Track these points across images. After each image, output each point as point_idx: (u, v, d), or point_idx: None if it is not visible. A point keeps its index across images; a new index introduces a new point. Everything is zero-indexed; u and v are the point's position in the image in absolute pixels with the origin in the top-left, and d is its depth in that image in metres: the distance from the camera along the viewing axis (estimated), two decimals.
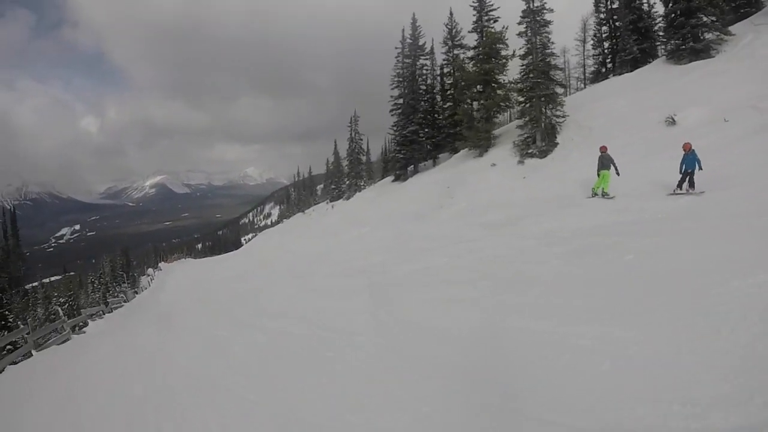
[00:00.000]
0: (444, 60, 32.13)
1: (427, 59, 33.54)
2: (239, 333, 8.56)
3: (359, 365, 5.62)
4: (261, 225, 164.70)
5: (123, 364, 8.03)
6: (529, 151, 19.81)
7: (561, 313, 5.74)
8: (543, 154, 19.32)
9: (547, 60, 20.18)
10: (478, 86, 25.64)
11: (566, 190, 15.63)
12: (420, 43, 32.89)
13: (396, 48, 33.33)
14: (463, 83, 27.51)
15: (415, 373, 4.93)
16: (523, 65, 20.85)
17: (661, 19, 26.08)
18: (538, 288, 7.32)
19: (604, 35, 30.57)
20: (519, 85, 21.24)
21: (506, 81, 24.06)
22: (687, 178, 11.18)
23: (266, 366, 6.33)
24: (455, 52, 31.36)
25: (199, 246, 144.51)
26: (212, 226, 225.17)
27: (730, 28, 20.90)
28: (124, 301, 21.48)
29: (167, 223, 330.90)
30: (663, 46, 25.19)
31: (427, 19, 33.31)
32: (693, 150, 11.37)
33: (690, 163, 11.21)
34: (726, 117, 15.50)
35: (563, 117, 19.67)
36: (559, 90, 20.77)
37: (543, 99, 19.65)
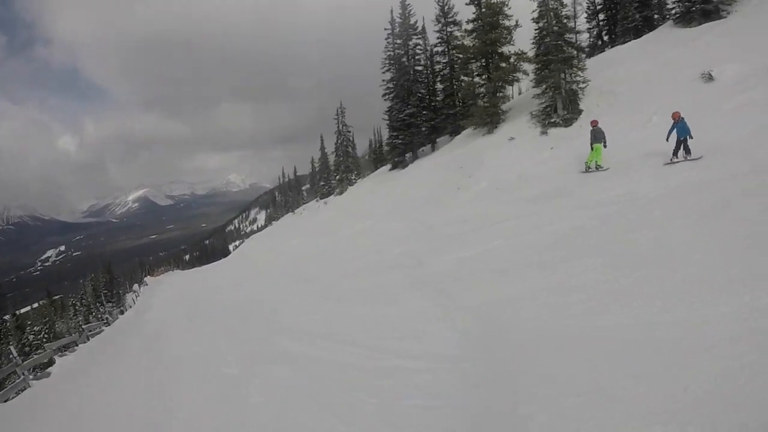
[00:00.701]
0: (438, 38, 30.66)
1: (419, 39, 32.04)
2: (253, 366, 6.46)
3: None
4: (247, 231, 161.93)
5: None
6: (552, 120, 18.53)
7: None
8: (567, 122, 18.09)
9: (564, 22, 18.99)
10: (481, 60, 24.34)
11: (607, 157, 14.40)
12: (411, 22, 31.33)
13: (385, 29, 31.67)
14: (461, 58, 26.24)
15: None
16: (537, 29, 19.58)
17: None
18: (679, 259, 5.70)
19: (598, 7, 29.86)
20: (533, 50, 19.98)
21: (512, 52, 22.84)
22: (681, 146, 11.43)
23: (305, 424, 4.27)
24: (449, 29, 29.97)
25: (187, 257, 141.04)
26: (198, 236, 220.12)
27: None
28: (105, 325, 18.67)
29: (152, 236, 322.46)
30: (668, 12, 24.52)
31: None
32: (682, 118, 11.62)
33: (682, 131, 11.45)
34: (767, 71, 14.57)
35: (584, 82, 18.46)
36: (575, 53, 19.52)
37: (562, 63, 18.38)
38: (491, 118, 22.87)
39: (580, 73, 18.62)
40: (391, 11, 31.65)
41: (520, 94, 29.31)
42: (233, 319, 10.79)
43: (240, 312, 11.52)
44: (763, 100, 13.07)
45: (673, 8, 21.69)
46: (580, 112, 18.21)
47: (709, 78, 15.54)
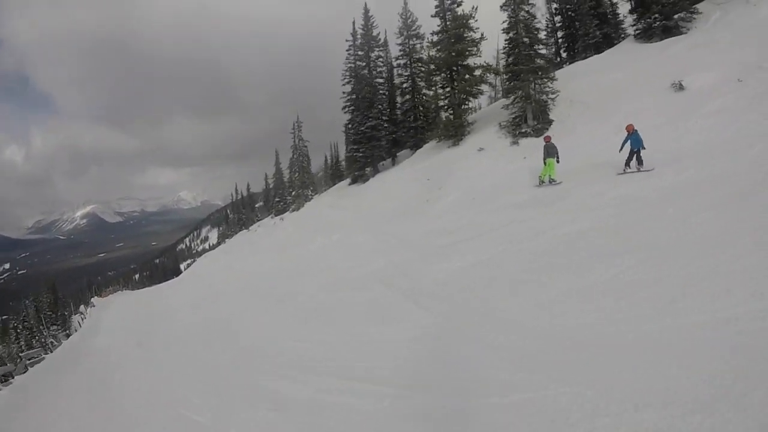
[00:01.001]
0: (400, 51, 29.97)
1: (381, 51, 31.25)
2: (228, 410, 4.99)
3: None
4: (199, 249, 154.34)
5: None
6: (522, 130, 17.88)
7: None
8: (538, 132, 17.44)
9: (534, 33, 18.60)
10: (446, 72, 23.67)
11: (587, 163, 13.71)
12: (374, 34, 30.49)
13: (347, 41, 30.66)
14: (424, 70, 25.58)
15: None
16: (507, 39, 19.08)
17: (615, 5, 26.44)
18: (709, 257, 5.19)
19: (557, 25, 30.35)
20: (504, 60, 19.46)
21: (478, 64, 22.32)
22: (634, 156, 11.67)
23: None
24: (412, 42, 29.39)
25: (137, 276, 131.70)
26: (149, 255, 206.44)
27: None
28: (48, 352, 15.84)
29: (101, 255, 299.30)
30: (626, 29, 25.19)
31: (377, 11, 31.05)
32: (636, 130, 11.85)
33: (635, 142, 11.68)
34: (737, 78, 14.54)
35: (554, 93, 18.00)
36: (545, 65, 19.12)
37: (533, 73, 17.86)
38: (456, 130, 22.11)
39: (549, 84, 18.17)
40: (353, 23, 30.75)
41: (480, 108, 28.86)
42: (195, 346, 9.12)
43: (203, 337, 9.93)
44: (736, 107, 13.03)
45: (635, 25, 22.03)
46: (550, 121, 17.70)
47: (680, 87, 15.42)
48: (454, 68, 23.31)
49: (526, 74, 17.85)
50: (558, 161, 13.30)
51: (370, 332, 6.57)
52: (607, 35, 25.56)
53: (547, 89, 18.10)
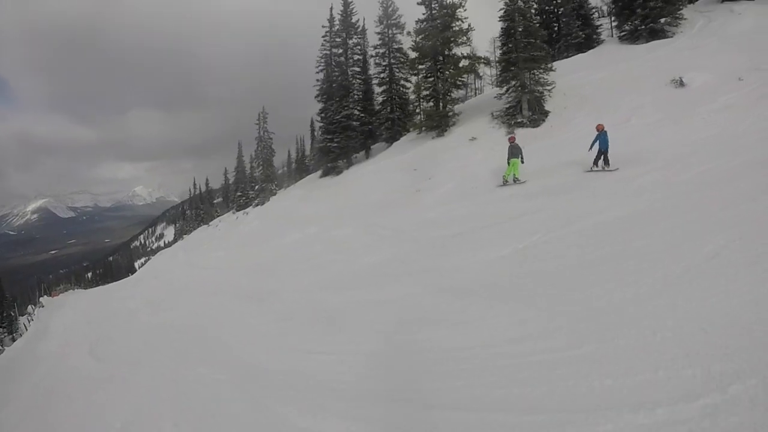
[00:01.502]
0: (379, 40, 28.66)
1: (359, 38, 29.85)
2: None
3: None
4: (154, 247, 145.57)
5: None
6: (518, 120, 17.12)
7: None
8: (534, 123, 16.77)
9: (531, 22, 17.98)
10: (430, 61, 22.66)
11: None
12: (353, 20, 29.09)
13: (323, 27, 29.04)
14: (403, 61, 24.49)
15: None
16: (503, 28, 18.34)
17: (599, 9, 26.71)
18: None
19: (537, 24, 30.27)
20: (500, 49, 18.69)
21: (466, 54, 21.48)
22: (601, 156, 11.72)
23: None
24: (392, 31, 28.21)
25: (89, 275, 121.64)
26: (102, 252, 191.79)
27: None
28: None
29: (53, 251, 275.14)
30: (600, 33, 25.51)
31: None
32: (605, 131, 11.91)
33: (603, 143, 11.73)
34: (738, 77, 14.43)
35: (550, 84, 17.39)
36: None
37: (531, 62, 17.19)
38: (441, 120, 21.13)
39: (545, 75, 17.57)
40: (331, 8, 29.24)
41: (465, 100, 28.01)
42: (167, 357, 7.27)
43: (175, 345, 8.07)
44: (744, 103, 12.82)
45: (620, 26, 22.08)
46: (546, 113, 17.08)
47: (680, 84, 15.17)
48: (441, 57, 22.35)
49: (523, 63, 17.11)
50: (522, 161, 13.49)
51: (420, 339, 5.16)
52: (588, 36, 25.61)
53: (543, 80, 17.46)
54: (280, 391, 4.82)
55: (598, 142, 11.86)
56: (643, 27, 20.71)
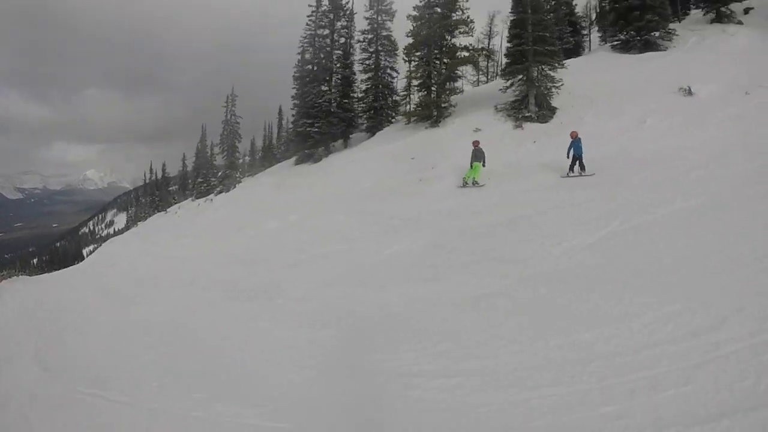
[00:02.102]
0: (368, 26, 27.49)
1: (348, 21, 28.46)
2: None
3: None
4: (103, 234, 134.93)
5: None
6: (526, 114, 16.63)
7: None
8: (543, 119, 16.37)
9: (543, 14, 17.62)
10: (427, 48, 21.82)
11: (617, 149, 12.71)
12: (342, 2, 27.70)
13: (310, 6, 27.42)
14: (390, 49, 23.57)
15: None
16: (512, 20, 17.90)
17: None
18: None
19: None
20: (509, 40, 18.20)
21: (470, 44, 20.89)
22: (576, 162, 12.20)
23: None
24: (382, 18, 27.14)
25: (35, 261, 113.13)
26: (49, 238, 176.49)
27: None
28: None
29: None
30: (595, 39, 25.95)
31: None
32: (579, 138, 12.34)
33: (577, 149, 12.19)
34: (745, 92, 14.66)
35: (559, 81, 17.09)
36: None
37: (542, 55, 16.80)
38: (438, 110, 20.33)
39: (553, 72, 17.24)
40: None
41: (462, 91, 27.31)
42: (142, 373, 5.29)
43: (154, 353, 6.06)
44: (753, 115, 12.92)
45: (614, 36, 22.38)
46: (554, 109, 16.78)
47: (689, 92, 15.23)
48: (439, 46, 21.57)
49: (533, 56, 16.66)
50: (484, 165, 13.89)
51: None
52: (578, 43, 25.92)
53: (551, 76, 17.15)
54: None
55: (572, 148, 12.26)
56: (638, 38, 20.98)
